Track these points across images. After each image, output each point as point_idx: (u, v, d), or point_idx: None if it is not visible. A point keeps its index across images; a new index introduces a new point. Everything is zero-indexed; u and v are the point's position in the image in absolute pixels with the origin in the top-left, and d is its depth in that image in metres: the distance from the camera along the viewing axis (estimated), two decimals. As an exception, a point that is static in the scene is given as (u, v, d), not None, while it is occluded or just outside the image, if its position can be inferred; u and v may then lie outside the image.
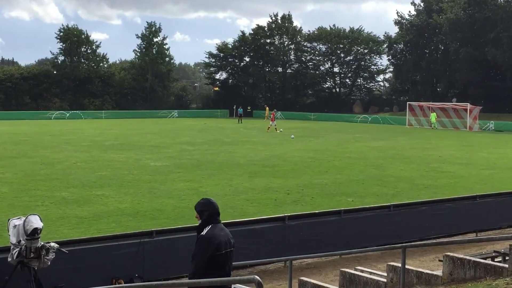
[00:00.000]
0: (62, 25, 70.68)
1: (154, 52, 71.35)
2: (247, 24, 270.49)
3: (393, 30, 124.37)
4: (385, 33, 74.37)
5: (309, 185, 17.57)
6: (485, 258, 8.14)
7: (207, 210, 5.30)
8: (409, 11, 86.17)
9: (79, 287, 8.28)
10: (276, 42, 76.86)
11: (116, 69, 73.32)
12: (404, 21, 71.02)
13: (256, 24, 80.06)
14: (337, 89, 77.56)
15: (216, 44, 77.80)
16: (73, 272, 8.40)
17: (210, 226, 5.25)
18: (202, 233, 5.26)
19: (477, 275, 6.57)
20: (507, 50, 55.91)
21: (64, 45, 67.81)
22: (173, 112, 66.97)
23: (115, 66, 76.44)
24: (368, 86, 77.78)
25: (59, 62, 68.27)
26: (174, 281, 8.62)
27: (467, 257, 7.05)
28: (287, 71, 77.86)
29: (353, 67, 75.94)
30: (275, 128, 42.07)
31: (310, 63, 77.32)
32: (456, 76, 62.56)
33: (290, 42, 77.17)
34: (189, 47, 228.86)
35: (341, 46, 74.48)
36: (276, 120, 45.37)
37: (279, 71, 77.42)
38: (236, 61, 77.10)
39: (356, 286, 7.94)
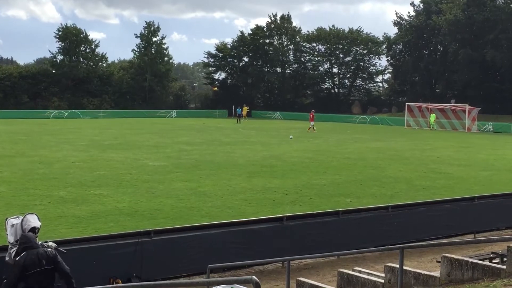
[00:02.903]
0: (61, 24, 71.06)
1: (152, 51, 71.25)
2: (244, 24, 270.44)
3: (392, 31, 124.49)
4: (384, 33, 74.45)
5: (308, 186, 17.57)
6: (483, 260, 8.13)
7: (22, 241, 6.39)
8: (408, 12, 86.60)
9: (76, 286, 8.25)
10: (275, 43, 76.83)
11: (115, 69, 73.22)
12: (403, 22, 71.00)
13: (255, 24, 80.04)
14: (336, 90, 77.57)
15: (215, 44, 77.99)
16: (70, 271, 8.38)
17: (24, 252, 6.26)
18: (16, 259, 6.29)
19: (475, 276, 6.57)
20: (506, 51, 55.98)
21: (63, 44, 67.71)
22: (171, 112, 66.95)
23: (114, 65, 76.32)
24: (367, 86, 77.81)
25: (58, 61, 68.14)
26: (172, 281, 8.63)
27: (465, 258, 7.05)
28: (286, 71, 77.84)
29: (352, 67, 75.99)
30: (308, 128, 43.67)
31: (309, 64, 77.32)
32: (455, 77, 62.60)
33: (289, 43, 77.11)
34: (186, 47, 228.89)
35: (340, 46, 74.52)
36: (275, 121, 45.53)
37: (278, 71, 77.43)
38: (235, 61, 77.07)
39: (353, 287, 7.95)
